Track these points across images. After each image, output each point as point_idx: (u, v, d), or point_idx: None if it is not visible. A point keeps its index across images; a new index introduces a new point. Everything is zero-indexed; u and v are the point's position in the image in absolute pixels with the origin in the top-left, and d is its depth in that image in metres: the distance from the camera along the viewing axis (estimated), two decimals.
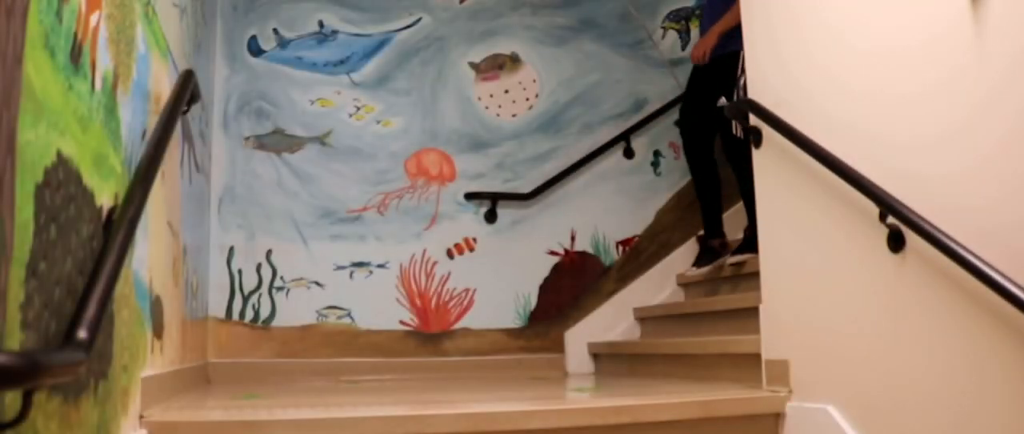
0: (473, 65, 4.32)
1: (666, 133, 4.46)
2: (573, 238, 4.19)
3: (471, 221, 4.17)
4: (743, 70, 2.84)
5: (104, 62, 1.63)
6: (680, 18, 4.57)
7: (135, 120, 1.93)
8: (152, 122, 2.13)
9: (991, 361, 1.80)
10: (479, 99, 4.30)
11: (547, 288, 4.15)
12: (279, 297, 3.93)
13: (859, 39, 2.27)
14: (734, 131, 3.19)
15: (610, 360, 3.94)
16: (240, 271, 3.90)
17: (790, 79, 2.54)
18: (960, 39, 1.92)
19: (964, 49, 1.91)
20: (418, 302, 4.08)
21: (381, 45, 4.25)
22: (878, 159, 2.15)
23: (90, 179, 1.52)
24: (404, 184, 4.16)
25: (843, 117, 2.31)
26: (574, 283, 4.18)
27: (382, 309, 4.01)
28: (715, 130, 3.68)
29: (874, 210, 2.10)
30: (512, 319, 4.12)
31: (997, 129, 1.83)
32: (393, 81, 4.22)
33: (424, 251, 4.11)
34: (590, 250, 4.26)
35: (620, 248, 4.31)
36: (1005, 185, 1.80)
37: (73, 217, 1.42)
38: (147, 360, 2.12)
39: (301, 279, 3.97)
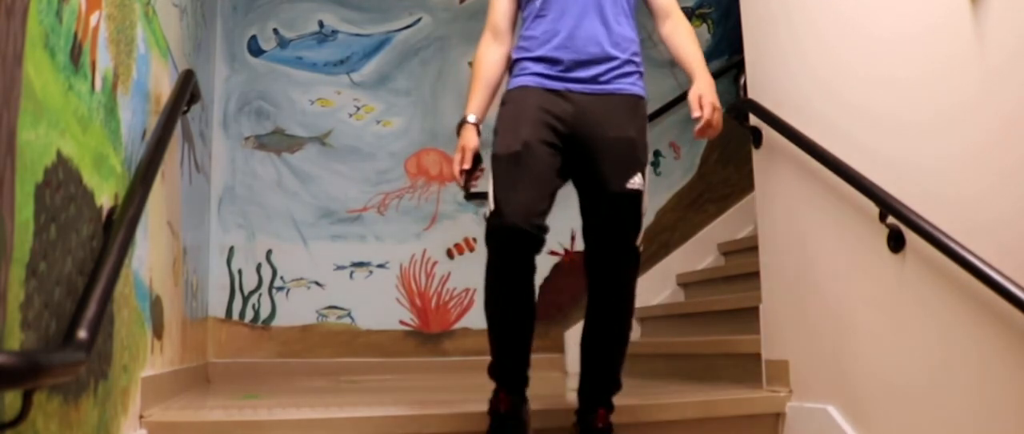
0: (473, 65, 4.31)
1: (666, 133, 4.46)
2: (573, 238, 4.18)
3: (471, 221, 4.17)
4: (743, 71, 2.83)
5: (104, 62, 1.63)
6: None
7: (135, 120, 1.93)
8: (152, 122, 2.13)
9: (991, 361, 1.80)
10: None
11: (547, 288, 4.15)
12: (279, 297, 3.93)
13: (858, 35, 2.27)
14: (635, 241, 2.05)
15: None
16: (240, 271, 3.89)
17: (790, 77, 2.54)
18: (960, 33, 1.92)
19: (964, 41, 1.91)
20: (418, 302, 4.08)
21: (381, 45, 4.25)
22: (877, 153, 2.15)
23: (90, 179, 1.52)
24: (404, 184, 4.16)
25: (842, 116, 2.31)
26: (574, 283, 4.17)
27: (382, 309, 4.01)
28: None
29: (874, 210, 2.10)
30: None
31: (994, 122, 1.83)
32: (393, 81, 4.22)
33: (424, 251, 4.11)
34: None
35: None
36: (1004, 176, 1.80)
37: (73, 217, 1.42)
38: (147, 360, 2.12)
39: (301, 279, 3.97)
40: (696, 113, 1.97)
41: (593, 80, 2.02)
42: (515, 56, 2.13)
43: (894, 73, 2.13)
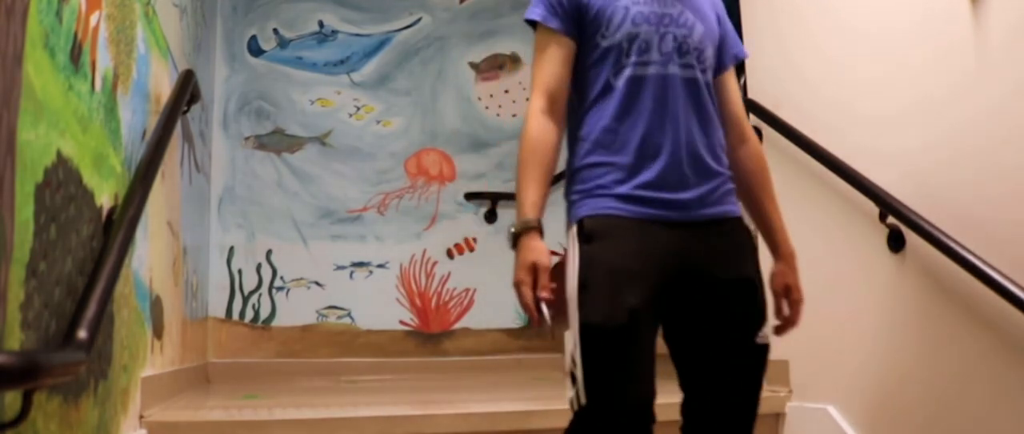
0: (473, 65, 4.32)
1: None
2: None
3: (471, 221, 4.17)
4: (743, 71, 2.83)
5: (104, 62, 1.63)
6: None
7: (135, 120, 1.93)
8: (152, 122, 2.13)
9: (992, 361, 1.80)
10: (479, 99, 4.30)
11: None
12: (279, 297, 3.93)
13: (855, 34, 2.27)
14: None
15: None
16: (240, 271, 3.89)
17: (790, 77, 2.54)
18: (959, 31, 1.92)
19: (964, 39, 1.91)
20: (418, 302, 4.08)
21: (381, 45, 4.24)
22: (877, 152, 2.15)
23: (90, 179, 1.52)
24: (404, 184, 4.15)
25: (842, 115, 2.31)
26: None
27: (382, 309, 4.01)
28: None
29: (874, 210, 2.10)
30: (512, 319, 4.12)
31: (994, 120, 1.83)
32: (393, 81, 4.22)
33: (424, 251, 4.11)
34: None
35: None
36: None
37: (73, 217, 1.42)
38: (147, 360, 2.12)
39: (301, 279, 3.97)
40: (784, 311, 1.57)
41: (699, 203, 1.51)
42: (586, 157, 1.55)
43: (893, 72, 2.13)
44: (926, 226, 1.92)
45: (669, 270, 1.46)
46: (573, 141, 1.59)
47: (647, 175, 1.49)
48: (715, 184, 1.54)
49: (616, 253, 1.46)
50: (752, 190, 1.65)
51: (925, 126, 2.02)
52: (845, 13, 2.32)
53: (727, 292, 1.49)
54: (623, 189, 1.50)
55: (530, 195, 1.54)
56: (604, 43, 1.55)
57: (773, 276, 1.59)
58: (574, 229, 1.54)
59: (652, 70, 1.53)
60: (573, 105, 1.60)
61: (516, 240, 1.53)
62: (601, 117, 1.54)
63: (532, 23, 1.61)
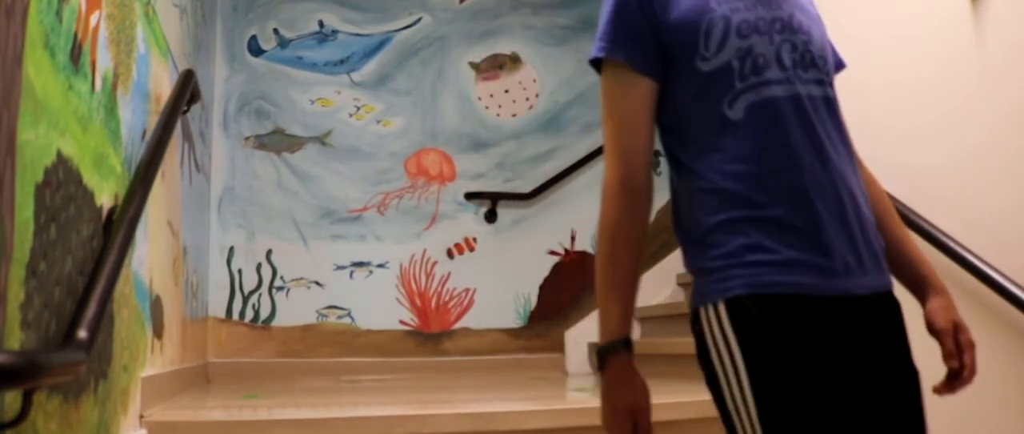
0: (473, 65, 4.32)
1: None
2: (573, 238, 4.19)
3: (471, 221, 4.17)
4: None
5: (104, 62, 1.63)
6: None
7: (135, 120, 1.93)
8: (152, 122, 2.13)
9: (991, 361, 1.80)
10: (479, 99, 4.30)
11: (547, 288, 4.15)
12: (279, 297, 3.93)
13: (855, 40, 2.27)
14: None
15: None
16: (240, 271, 3.90)
17: None
18: (960, 36, 1.92)
19: (964, 44, 1.91)
20: (418, 302, 4.08)
21: (381, 45, 4.25)
22: (877, 153, 2.15)
23: (90, 179, 1.52)
24: (404, 184, 4.16)
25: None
26: (574, 283, 4.18)
27: (382, 309, 4.01)
28: None
29: None
30: (512, 319, 4.12)
31: (994, 122, 1.83)
32: (393, 81, 4.23)
33: (424, 251, 4.11)
34: (590, 250, 4.26)
35: None
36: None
37: (73, 217, 1.42)
38: (147, 360, 2.12)
39: (301, 279, 3.97)
40: (953, 360, 1.18)
41: (860, 268, 1.13)
42: (716, 213, 1.16)
43: (894, 79, 2.13)
44: (926, 226, 1.92)
45: (855, 366, 1.09)
46: (688, 196, 1.21)
47: (810, 233, 1.10)
48: (875, 241, 1.18)
49: (813, 355, 1.06)
50: (883, 220, 1.26)
51: (924, 126, 2.02)
52: (845, 19, 2.32)
53: (899, 392, 1.13)
54: (788, 254, 1.09)
55: (617, 306, 1.21)
56: (706, 67, 1.17)
57: (933, 313, 1.22)
58: (722, 310, 1.14)
59: (777, 91, 1.15)
60: (676, 151, 1.25)
61: (603, 362, 1.22)
62: (725, 160, 1.15)
63: (596, 63, 1.25)
